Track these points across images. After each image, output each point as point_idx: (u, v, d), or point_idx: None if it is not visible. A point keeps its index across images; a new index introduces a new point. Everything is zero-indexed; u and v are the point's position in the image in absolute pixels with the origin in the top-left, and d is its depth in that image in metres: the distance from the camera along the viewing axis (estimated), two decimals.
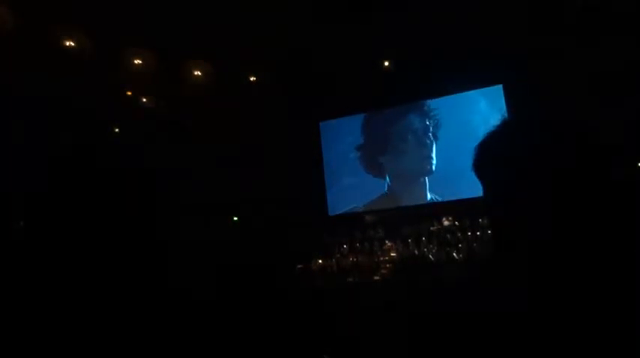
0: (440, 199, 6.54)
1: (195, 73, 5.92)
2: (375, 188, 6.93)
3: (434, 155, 6.63)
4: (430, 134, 6.70)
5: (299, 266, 6.32)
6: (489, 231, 0.90)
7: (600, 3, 4.91)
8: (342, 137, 7.27)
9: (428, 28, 5.49)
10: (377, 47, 6.03)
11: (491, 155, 0.85)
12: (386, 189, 6.92)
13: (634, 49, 4.98)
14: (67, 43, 5.04)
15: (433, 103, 6.76)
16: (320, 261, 6.39)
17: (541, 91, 5.17)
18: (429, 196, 6.60)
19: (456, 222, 6.23)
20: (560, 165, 0.75)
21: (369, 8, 5.19)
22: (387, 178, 6.92)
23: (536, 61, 5.49)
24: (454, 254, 5.77)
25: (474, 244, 5.76)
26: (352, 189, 7.07)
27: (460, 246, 5.88)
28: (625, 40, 5.01)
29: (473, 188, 0.95)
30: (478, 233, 5.88)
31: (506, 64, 5.76)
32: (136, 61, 5.52)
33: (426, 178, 6.64)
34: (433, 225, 6.36)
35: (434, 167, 6.61)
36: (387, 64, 6.37)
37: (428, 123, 6.73)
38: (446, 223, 6.32)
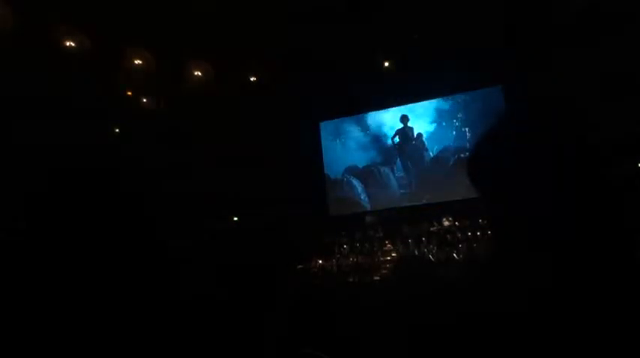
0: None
1: (195, 73, 5.91)
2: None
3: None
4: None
5: (299, 266, 6.31)
6: (489, 232, 0.90)
7: (601, 3, 4.91)
8: (343, 136, 7.28)
9: (428, 29, 5.49)
10: (377, 47, 6.03)
11: (485, 161, 0.85)
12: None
13: (634, 50, 4.98)
14: (67, 43, 5.04)
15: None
16: (320, 261, 6.38)
17: (541, 91, 5.16)
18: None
19: (456, 223, 6.23)
20: (557, 165, 0.75)
21: (369, 8, 5.19)
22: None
23: (536, 61, 5.49)
24: (454, 254, 5.77)
25: (474, 244, 5.76)
26: (351, 188, 7.10)
27: (460, 246, 5.88)
28: (625, 41, 5.01)
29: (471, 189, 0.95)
30: (478, 233, 5.88)
31: (506, 64, 5.76)
32: (136, 61, 5.52)
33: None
34: (433, 226, 6.37)
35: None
36: (387, 64, 6.37)
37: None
38: (446, 223, 6.32)
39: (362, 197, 7.07)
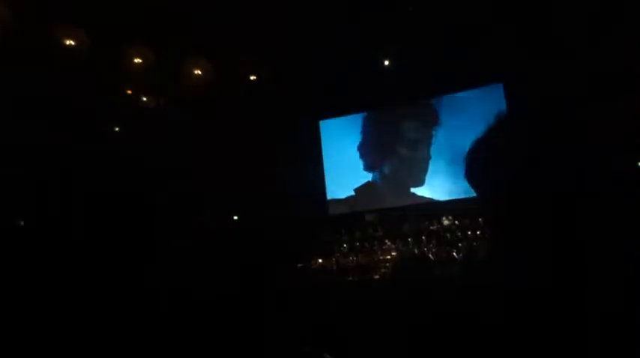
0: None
1: (196, 72, 5.92)
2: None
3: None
4: (428, 144, 6.72)
5: (299, 265, 6.32)
6: (489, 231, 0.90)
7: (600, 5, 4.91)
8: (342, 136, 7.28)
9: (428, 28, 5.49)
10: (377, 47, 6.03)
11: (482, 163, 0.85)
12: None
13: (633, 50, 4.98)
14: (67, 42, 5.04)
15: (434, 105, 6.81)
16: (320, 261, 6.39)
17: (541, 91, 5.17)
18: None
19: (456, 221, 6.23)
20: (557, 165, 0.76)
21: (369, 8, 5.19)
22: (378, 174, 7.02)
23: (536, 61, 5.49)
24: (454, 253, 5.78)
25: (474, 243, 5.76)
26: (351, 187, 7.13)
27: (460, 245, 5.88)
28: (624, 41, 5.01)
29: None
30: (478, 232, 5.88)
31: (506, 62, 5.76)
32: (136, 60, 5.53)
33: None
34: (433, 224, 6.37)
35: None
36: (387, 63, 6.37)
37: (430, 130, 6.75)
38: (446, 222, 6.33)
39: (361, 195, 7.07)
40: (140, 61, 5.52)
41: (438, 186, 6.52)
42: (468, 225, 6.04)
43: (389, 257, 6.16)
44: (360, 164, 7.13)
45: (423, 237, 6.23)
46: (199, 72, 5.92)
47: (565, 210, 0.74)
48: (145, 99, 6.56)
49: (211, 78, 5.98)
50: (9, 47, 4.70)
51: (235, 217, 7.31)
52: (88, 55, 5.12)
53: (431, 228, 6.35)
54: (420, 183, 6.72)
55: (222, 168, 6.85)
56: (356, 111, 7.20)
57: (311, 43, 5.71)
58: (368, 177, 7.08)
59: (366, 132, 7.18)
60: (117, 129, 6.87)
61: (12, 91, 5.32)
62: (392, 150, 6.96)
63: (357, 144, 7.18)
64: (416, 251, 6.06)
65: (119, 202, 5.70)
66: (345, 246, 6.62)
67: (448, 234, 6.16)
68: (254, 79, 6.40)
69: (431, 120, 6.78)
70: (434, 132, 6.74)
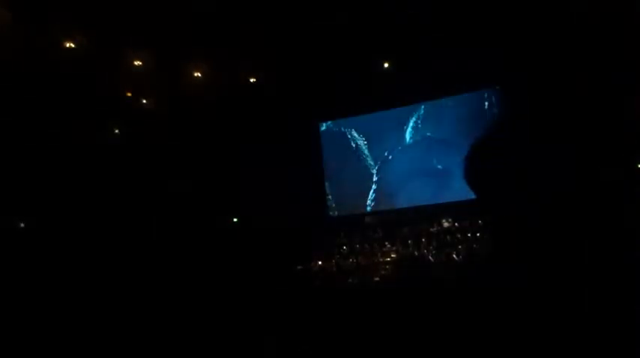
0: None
1: (195, 73, 5.92)
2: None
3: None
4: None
5: (299, 266, 6.31)
6: (488, 233, 0.90)
7: (599, 8, 4.91)
8: (342, 138, 7.29)
9: (428, 29, 5.49)
10: (377, 47, 6.03)
11: (483, 162, 0.85)
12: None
13: (633, 50, 4.99)
14: (67, 44, 5.04)
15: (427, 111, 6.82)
16: (320, 262, 6.38)
17: (540, 92, 5.17)
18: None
19: (456, 224, 6.23)
20: (556, 166, 0.76)
21: (369, 8, 5.19)
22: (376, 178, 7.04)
23: (535, 62, 5.49)
24: (453, 255, 5.77)
25: (474, 245, 5.75)
26: (351, 189, 7.12)
27: (460, 247, 5.87)
28: (624, 41, 5.01)
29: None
30: (478, 234, 5.87)
31: (504, 64, 5.76)
32: (136, 62, 5.53)
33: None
34: (433, 226, 6.37)
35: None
36: (386, 65, 6.37)
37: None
38: (445, 224, 6.32)
39: (361, 197, 7.07)
40: (140, 62, 5.53)
41: (439, 188, 6.52)
42: (467, 227, 6.03)
43: (389, 259, 6.16)
44: (361, 166, 7.13)
45: (423, 239, 6.22)
46: (198, 73, 5.93)
47: (564, 210, 0.75)
48: (144, 100, 6.55)
49: (212, 79, 5.98)
50: (9, 47, 4.71)
51: (235, 218, 7.31)
52: (88, 56, 5.13)
53: (430, 229, 6.34)
54: (421, 184, 6.71)
55: (222, 168, 6.85)
56: (356, 113, 7.20)
57: (311, 42, 5.72)
58: (368, 179, 7.08)
59: (365, 133, 7.18)
60: (117, 129, 6.86)
61: (11, 91, 5.32)
62: (391, 152, 6.96)
63: (357, 146, 7.18)
64: (416, 253, 6.05)
65: (118, 202, 5.70)
66: (345, 247, 6.62)
67: (448, 236, 6.16)
68: (254, 81, 6.41)
69: (432, 123, 6.78)
70: (435, 134, 6.74)
